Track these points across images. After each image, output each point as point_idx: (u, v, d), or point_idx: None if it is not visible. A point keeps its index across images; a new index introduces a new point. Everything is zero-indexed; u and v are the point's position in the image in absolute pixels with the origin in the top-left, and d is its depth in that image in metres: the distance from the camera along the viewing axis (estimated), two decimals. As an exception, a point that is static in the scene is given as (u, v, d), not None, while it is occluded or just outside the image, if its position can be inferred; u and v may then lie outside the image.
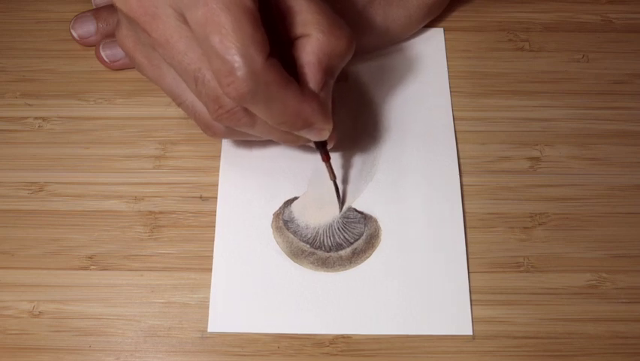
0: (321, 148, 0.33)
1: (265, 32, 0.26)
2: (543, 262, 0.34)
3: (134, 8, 0.27)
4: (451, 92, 0.38)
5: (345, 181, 0.36)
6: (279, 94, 0.27)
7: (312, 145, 0.33)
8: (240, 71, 0.25)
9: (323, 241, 0.34)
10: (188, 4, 0.25)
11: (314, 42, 0.28)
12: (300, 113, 0.28)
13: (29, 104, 0.38)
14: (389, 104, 0.38)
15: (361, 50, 0.39)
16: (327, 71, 0.29)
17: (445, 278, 0.33)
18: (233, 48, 0.25)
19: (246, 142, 0.37)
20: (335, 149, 0.36)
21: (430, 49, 0.40)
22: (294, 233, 0.34)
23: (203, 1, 0.25)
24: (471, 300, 0.33)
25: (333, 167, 0.36)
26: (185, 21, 0.26)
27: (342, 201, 0.35)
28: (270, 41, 0.26)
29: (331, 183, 0.35)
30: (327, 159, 0.33)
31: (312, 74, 0.29)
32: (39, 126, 0.37)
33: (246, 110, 0.28)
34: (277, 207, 0.35)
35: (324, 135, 0.31)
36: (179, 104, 0.31)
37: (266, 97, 0.26)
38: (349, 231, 0.35)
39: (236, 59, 0.25)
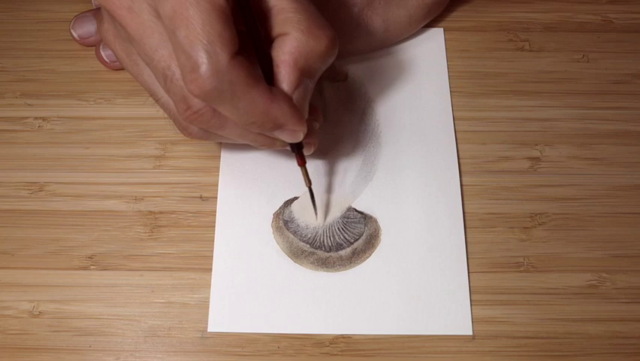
0: (297, 151, 0.32)
1: (235, 31, 0.25)
2: (543, 262, 0.34)
3: (111, 1, 0.26)
4: (451, 92, 0.38)
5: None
6: (245, 93, 0.26)
7: (289, 149, 0.32)
8: (203, 68, 0.25)
9: (323, 241, 0.34)
10: None
11: (291, 41, 0.27)
12: (268, 113, 0.27)
13: (29, 104, 0.38)
14: (389, 104, 0.38)
15: (362, 50, 0.39)
16: (303, 71, 0.28)
17: (445, 278, 0.33)
18: (198, 44, 0.24)
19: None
20: (335, 149, 0.36)
21: (430, 49, 0.40)
22: (294, 233, 0.34)
23: None
24: (471, 300, 0.33)
25: (333, 167, 0.36)
26: (158, 16, 0.26)
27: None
28: (247, 40, 0.25)
29: (332, 181, 0.35)
30: (302, 163, 0.32)
31: (285, 74, 0.28)
32: (39, 126, 0.38)
33: (214, 111, 0.28)
34: (277, 207, 0.35)
35: (298, 137, 0.30)
36: (156, 101, 0.31)
37: (231, 96, 0.26)
38: (349, 231, 0.35)
39: (200, 55, 0.24)
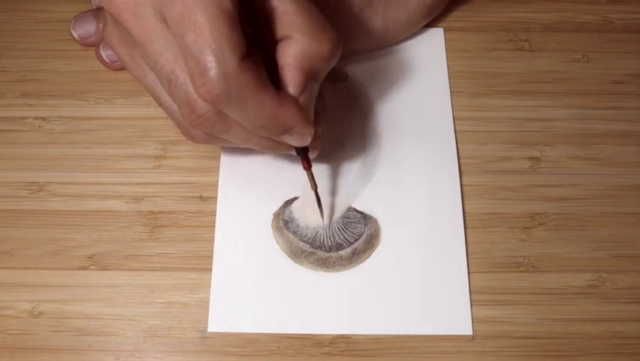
0: (302, 155, 0.32)
1: (242, 34, 0.25)
2: (543, 262, 0.34)
3: (115, 5, 0.26)
4: (451, 92, 0.38)
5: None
6: (254, 97, 0.26)
7: (294, 153, 0.32)
8: (212, 72, 0.25)
9: (323, 241, 0.34)
10: (166, 2, 0.25)
11: (295, 44, 0.28)
12: (277, 117, 0.27)
13: (29, 104, 0.38)
14: (389, 104, 0.38)
15: (361, 50, 0.39)
16: (308, 74, 0.28)
17: (445, 278, 0.33)
18: (207, 48, 0.24)
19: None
20: (335, 149, 0.36)
21: (430, 49, 0.40)
22: (294, 233, 0.34)
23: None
24: (471, 300, 0.33)
25: (333, 167, 0.36)
26: (164, 21, 0.26)
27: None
28: (252, 43, 0.25)
29: (331, 181, 0.34)
30: (308, 167, 0.32)
31: (291, 77, 0.28)
32: (39, 126, 0.38)
33: (218, 115, 0.28)
34: (277, 207, 0.35)
35: (306, 140, 0.30)
36: (160, 105, 0.31)
37: (240, 99, 0.26)
38: (349, 231, 0.35)
39: (209, 60, 0.25)
